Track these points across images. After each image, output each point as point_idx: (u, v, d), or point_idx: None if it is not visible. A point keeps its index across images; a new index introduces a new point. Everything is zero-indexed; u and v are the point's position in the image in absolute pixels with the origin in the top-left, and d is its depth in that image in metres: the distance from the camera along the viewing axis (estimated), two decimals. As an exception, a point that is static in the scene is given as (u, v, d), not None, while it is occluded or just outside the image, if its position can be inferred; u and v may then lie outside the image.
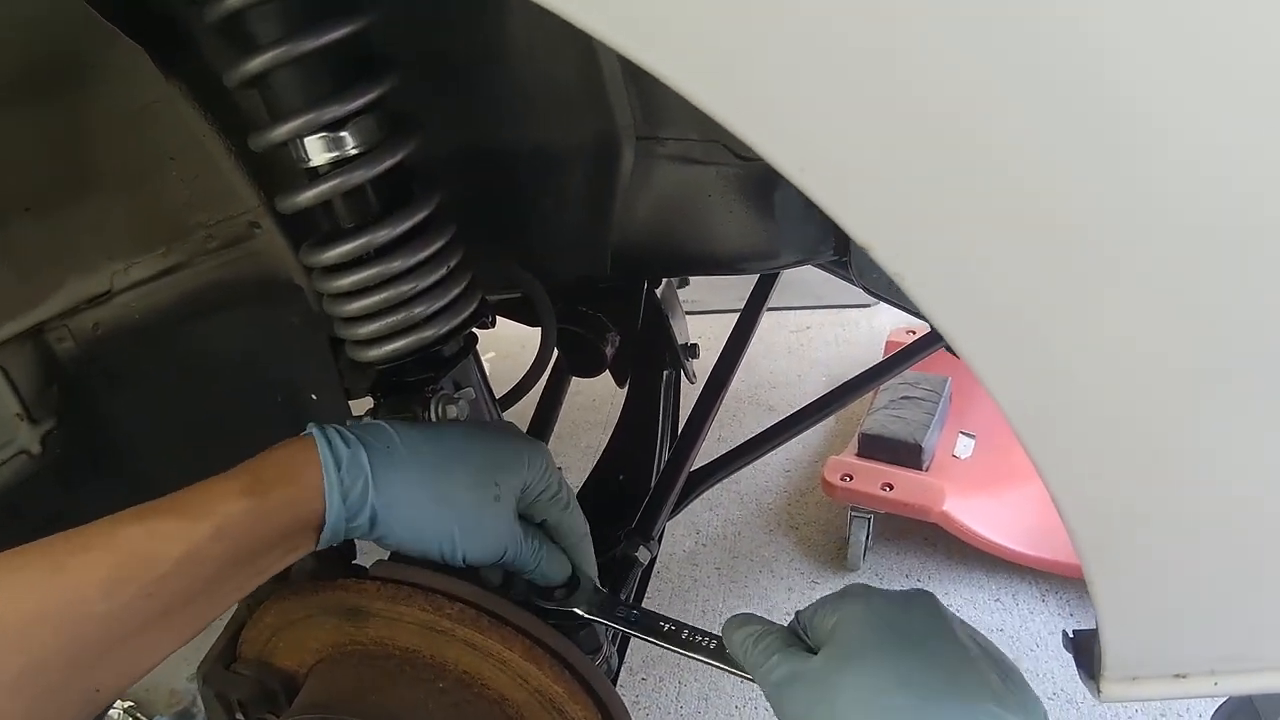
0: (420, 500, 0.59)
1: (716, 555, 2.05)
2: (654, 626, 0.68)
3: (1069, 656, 0.55)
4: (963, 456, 1.96)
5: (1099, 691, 0.49)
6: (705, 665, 0.64)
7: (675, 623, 0.67)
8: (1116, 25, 0.31)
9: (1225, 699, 0.83)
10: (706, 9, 0.33)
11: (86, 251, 0.78)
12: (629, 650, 1.06)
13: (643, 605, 0.83)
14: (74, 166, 0.74)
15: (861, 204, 0.35)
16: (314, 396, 0.92)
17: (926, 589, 0.56)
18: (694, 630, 0.67)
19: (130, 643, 0.51)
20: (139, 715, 1.66)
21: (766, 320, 1.61)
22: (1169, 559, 0.44)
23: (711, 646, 0.65)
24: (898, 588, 0.56)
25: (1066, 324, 0.38)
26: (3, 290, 0.78)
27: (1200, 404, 0.39)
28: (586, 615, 0.69)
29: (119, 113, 0.70)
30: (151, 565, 0.50)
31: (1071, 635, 0.54)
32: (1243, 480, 0.42)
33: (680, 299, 1.42)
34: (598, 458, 1.20)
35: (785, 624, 0.59)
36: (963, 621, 0.55)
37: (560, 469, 0.70)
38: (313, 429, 0.59)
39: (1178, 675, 0.48)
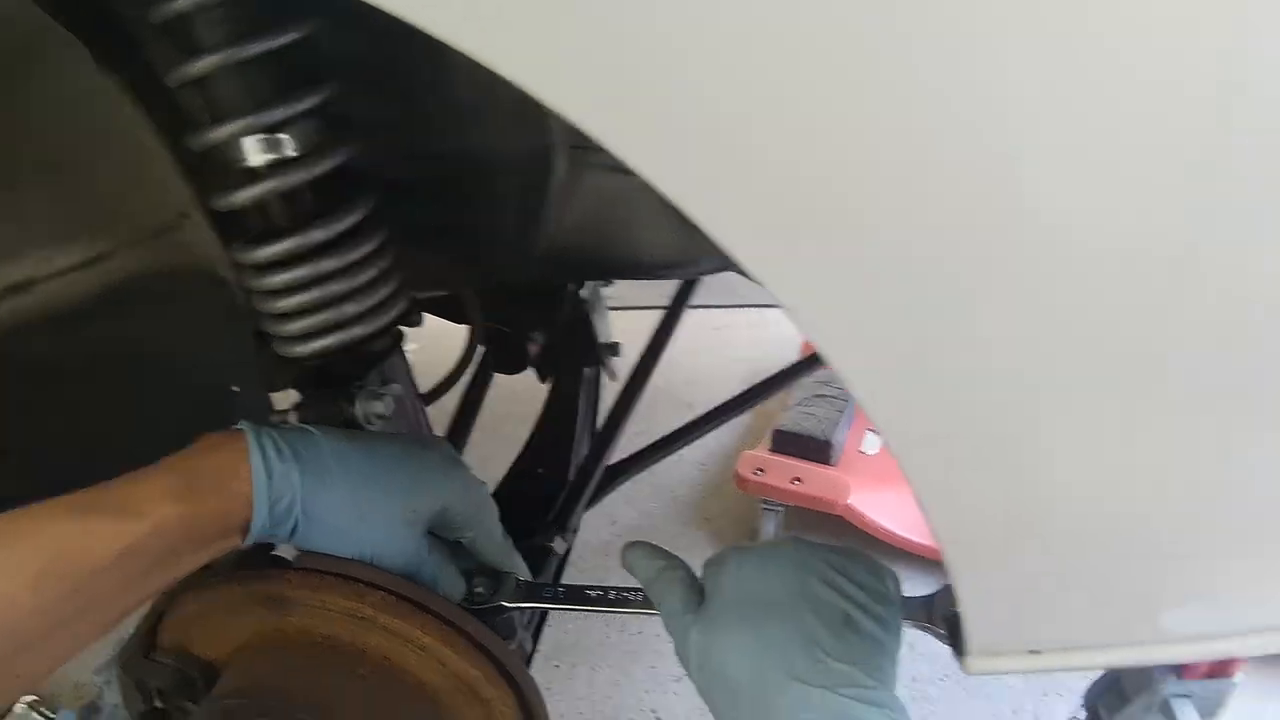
0: (341, 520, 0.63)
1: (632, 546, 2.09)
2: (582, 596, 0.72)
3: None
4: (869, 452, 2.04)
5: (964, 666, 0.56)
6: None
7: (600, 588, 0.71)
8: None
9: (1096, 678, 0.91)
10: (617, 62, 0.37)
11: (8, 238, 0.76)
12: (541, 639, 1.09)
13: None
14: (-2, 151, 0.73)
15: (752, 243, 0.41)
16: (236, 389, 0.92)
17: (800, 539, 0.64)
18: (619, 590, 0.71)
19: (54, 635, 0.52)
20: (43, 710, 1.60)
21: (685, 318, 1.65)
22: (1013, 552, 0.51)
23: (640, 599, 0.69)
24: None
25: (932, 356, 0.44)
26: (-84, 277, 0.76)
27: (1039, 413, 0.45)
28: (511, 606, 0.72)
29: (49, 99, 0.69)
30: (84, 562, 0.52)
31: (944, 617, 0.61)
32: (1076, 486, 0.48)
33: (603, 296, 1.45)
34: (519, 449, 1.23)
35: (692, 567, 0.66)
36: (829, 561, 0.60)
37: (484, 484, 0.74)
38: (248, 433, 0.61)
39: (1032, 651, 0.55)
